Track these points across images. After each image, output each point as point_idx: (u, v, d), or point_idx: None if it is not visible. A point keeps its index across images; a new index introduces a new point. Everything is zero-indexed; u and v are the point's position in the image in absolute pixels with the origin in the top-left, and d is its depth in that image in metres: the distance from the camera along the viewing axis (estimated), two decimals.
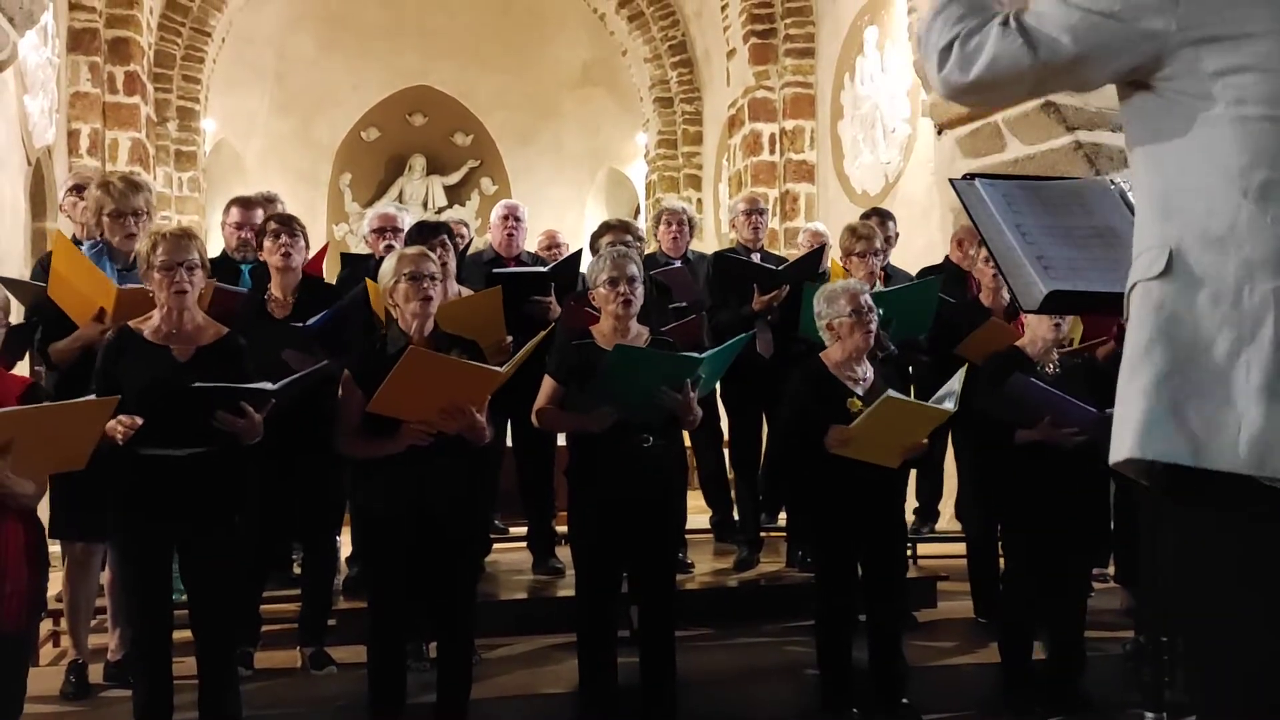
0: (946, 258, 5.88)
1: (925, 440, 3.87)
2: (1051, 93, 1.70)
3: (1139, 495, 1.66)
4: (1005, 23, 1.65)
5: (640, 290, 3.77)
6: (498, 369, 3.41)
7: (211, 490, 3.31)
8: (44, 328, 3.97)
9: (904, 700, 3.86)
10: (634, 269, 3.76)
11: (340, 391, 3.55)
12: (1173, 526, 1.60)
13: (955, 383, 3.83)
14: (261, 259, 4.33)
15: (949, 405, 3.77)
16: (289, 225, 4.19)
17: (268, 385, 3.28)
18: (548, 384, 3.78)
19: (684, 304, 5.06)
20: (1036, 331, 3.99)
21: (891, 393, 3.76)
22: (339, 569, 4.73)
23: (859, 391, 3.83)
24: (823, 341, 4.20)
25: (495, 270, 4.95)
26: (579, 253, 5.18)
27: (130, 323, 3.45)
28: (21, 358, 4.32)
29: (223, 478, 3.34)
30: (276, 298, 4.19)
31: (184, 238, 3.38)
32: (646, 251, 5.35)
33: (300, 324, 4.00)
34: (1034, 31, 1.63)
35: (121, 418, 3.15)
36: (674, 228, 5.67)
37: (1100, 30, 1.59)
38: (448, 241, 4.46)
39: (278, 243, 4.13)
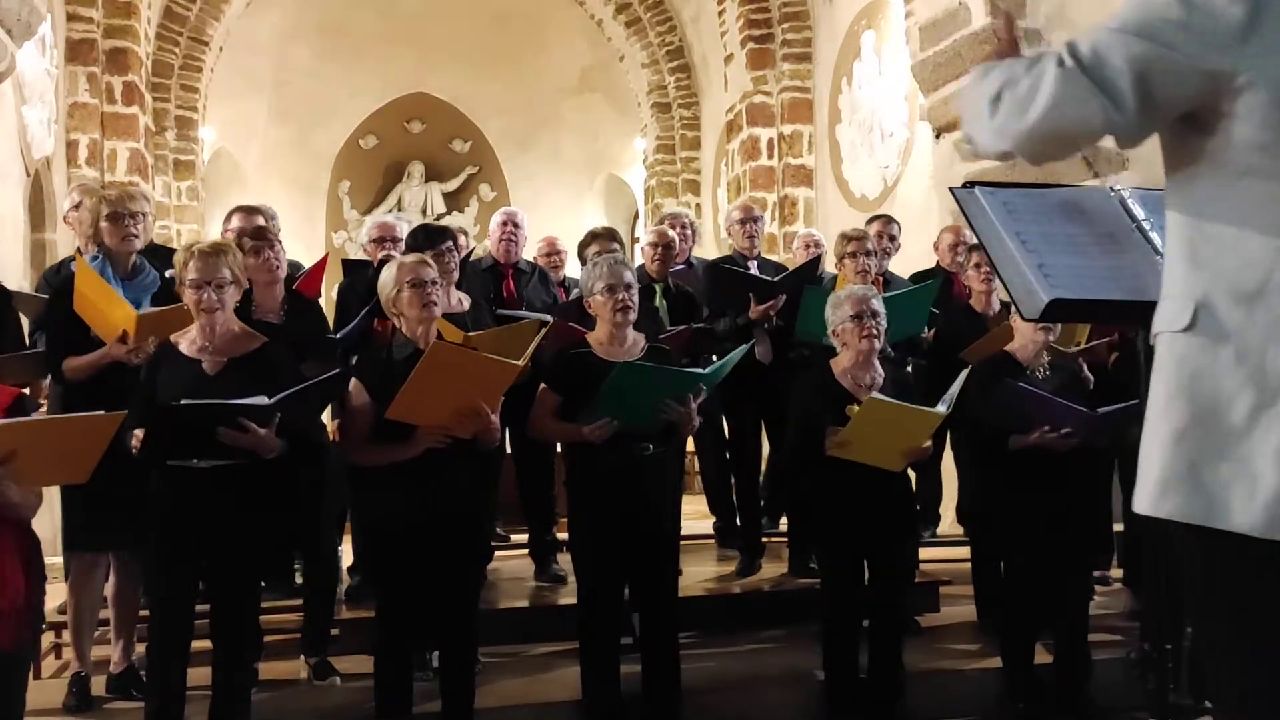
0: (938, 263, 5.91)
1: (928, 444, 3.85)
2: (1112, 135, 1.58)
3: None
4: (1061, 62, 1.55)
5: (636, 297, 3.77)
6: (515, 362, 3.41)
7: (237, 502, 3.32)
8: (50, 342, 3.96)
9: (898, 707, 3.85)
10: (630, 276, 3.75)
11: (348, 401, 3.54)
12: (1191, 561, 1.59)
13: (955, 386, 3.82)
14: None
15: (942, 408, 3.76)
16: (263, 237, 4.17)
17: (263, 400, 3.27)
18: (544, 394, 3.77)
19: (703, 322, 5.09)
20: (1026, 335, 3.99)
21: (875, 395, 3.75)
22: (341, 578, 4.73)
23: (863, 398, 3.81)
24: (821, 343, 4.19)
25: (500, 312, 4.94)
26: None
27: (172, 335, 3.48)
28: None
29: (249, 490, 3.33)
30: (265, 308, 4.14)
31: (214, 254, 3.38)
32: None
33: (337, 334, 3.99)
34: (1093, 67, 1.52)
35: (136, 432, 3.18)
36: (678, 231, 5.69)
37: (1159, 62, 1.50)
38: (452, 247, 4.45)
39: (261, 259, 4.10)
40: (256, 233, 4.22)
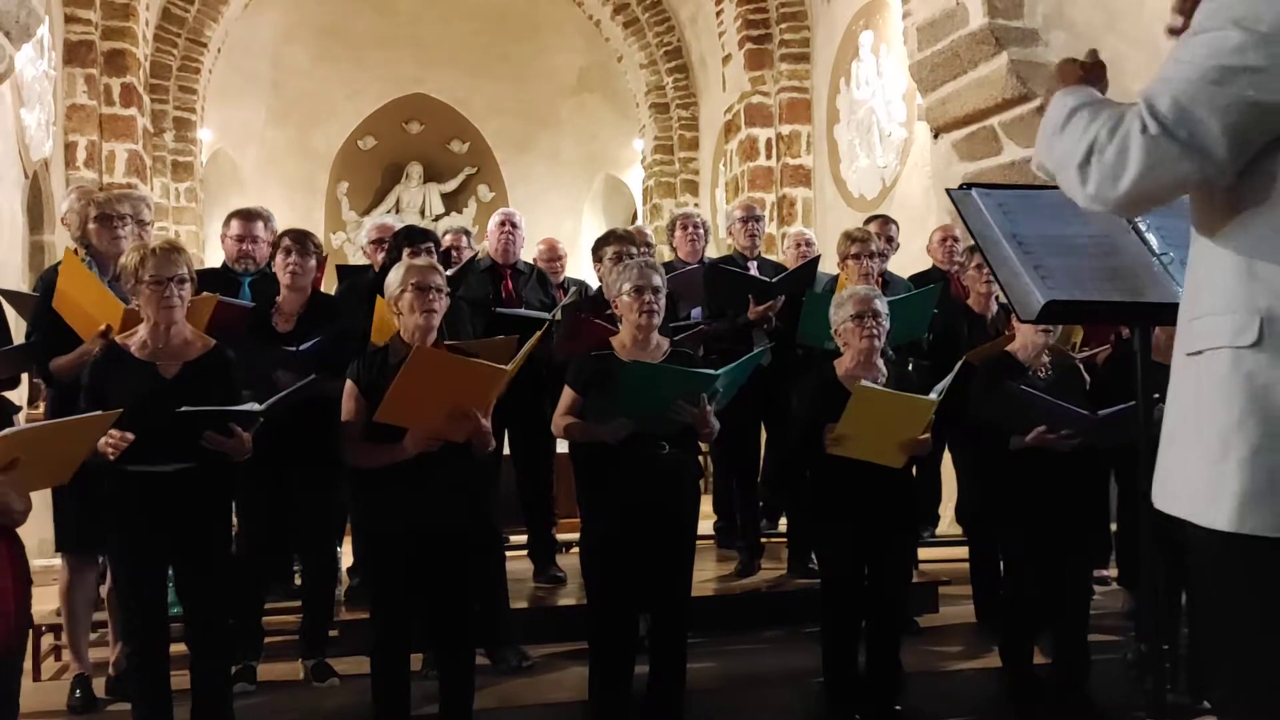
0: (933, 264, 5.92)
1: (927, 436, 3.85)
2: (1207, 187, 1.58)
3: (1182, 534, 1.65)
4: (1144, 127, 1.52)
5: (663, 301, 3.78)
6: (503, 367, 3.41)
7: (202, 505, 3.31)
8: (45, 342, 3.95)
9: (897, 707, 3.86)
10: (658, 280, 3.77)
11: (343, 402, 3.55)
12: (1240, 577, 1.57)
13: (948, 378, 3.84)
14: (271, 270, 4.34)
15: (933, 396, 3.76)
16: (302, 244, 4.19)
17: (255, 405, 3.27)
18: (567, 394, 3.78)
19: (692, 316, 5.08)
20: (1027, 336, 4.00)
21: (864, 383, 3.76)
22: (340, 580, 4.73)
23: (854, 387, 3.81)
24: (823, 348, 4.19)
25: (498, 310, 4.92)
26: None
27: (118, 338, 3.44)
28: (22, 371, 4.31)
29: (212, 493, 3.33)
30: (283, 311, 4.19)
31: (172, 252, 3.37)
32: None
33: (293, 348, 3.99)
34: (1178, 128, 1.50)
35: (111, 432, 3.14)
36: (690, 231, 5.68)
37: (1248, 109, 1.48)
38: (433, 249, 4.46)
39: (287, 260, 4.14)
40: (299, 237, 4.24)
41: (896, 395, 3.76)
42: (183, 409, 3.15)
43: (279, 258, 4.19)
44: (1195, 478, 1.58)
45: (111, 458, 3.16)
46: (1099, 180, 1.57)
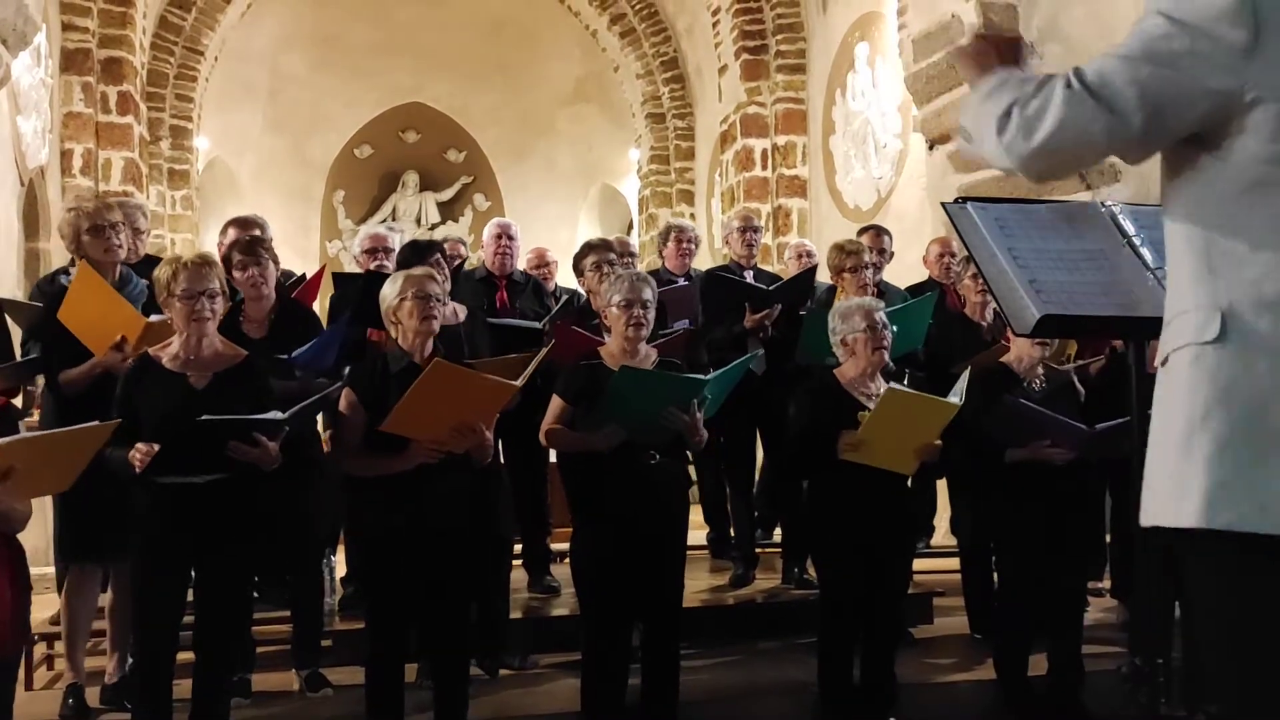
0: (929, 276, 5.94)
1: (939, 441, 3.85)
2: (1117, 156, 1.66)
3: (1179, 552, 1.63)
4: (1069, 84, 1.58)
5: (652, 314, 3.79)
6: (512, 383, 3.42)
7: (232, 516, 3.32)
8: (43, 352, 3.94)
9: (892, 719, 3.86)
10: (648, 292, 3.77)
11: (341, 411, 3.54)
12: (1224, 584, 1.56)
13: (961, 383, 3.85)
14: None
15: (955, 399, 3.77)
16: (253, 253, 4.13)
17: (278, 414, 3.28)
18: (556, 404, 3.78)
19: (675, 326, 5.07)
20: (1023, 348, 4.02)
21: (895, 385, 3.76)
22: (335, 589, 4.71)
23: (872, 407, 3.81)
24: (824, 365, 4.20)
25: (490, 320, 4.92)
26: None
27: (151, 350, 3.46)
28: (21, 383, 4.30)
29: (244, 504, 3.34)
30: (252, 319, 4.14)
31: (204, 265, 3.40)
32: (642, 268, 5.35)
33: (285, 356, 3.97)
34: (1100, 90, 1.56)
35: (139, 445, 3.16)
36: (682, 245, 5.67)
37: (1167, 85, 1.54)
38: (440, 261, 4.46)
39: (246, 274, 4.09)
40: (247, 247, 4.19)
41: (924, 397, 3.78)
42: (202, 418, 3.16)
43: (236, 274, 4.10)
44: (1163, 480, 1.57)
45: (138, 469, 3.16)
46: (1014, 131, 1.61)
